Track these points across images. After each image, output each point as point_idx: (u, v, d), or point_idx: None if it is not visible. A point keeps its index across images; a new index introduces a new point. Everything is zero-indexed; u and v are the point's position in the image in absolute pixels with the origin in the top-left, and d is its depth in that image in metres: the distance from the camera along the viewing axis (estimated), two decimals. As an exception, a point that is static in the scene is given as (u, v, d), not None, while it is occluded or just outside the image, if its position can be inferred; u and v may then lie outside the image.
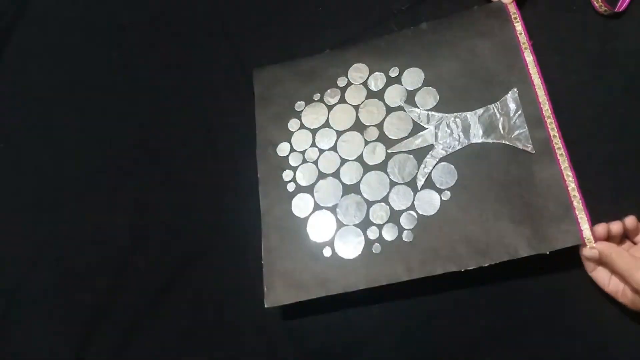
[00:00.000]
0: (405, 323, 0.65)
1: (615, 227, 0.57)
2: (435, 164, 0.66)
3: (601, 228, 0.56)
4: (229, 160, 0.77)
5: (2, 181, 0.77)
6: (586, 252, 0.57)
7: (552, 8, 0.71)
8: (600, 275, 0.58)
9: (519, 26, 0.68)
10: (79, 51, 0.86)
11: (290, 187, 0.71)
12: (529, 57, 0.66)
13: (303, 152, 0.72)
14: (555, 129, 0.62)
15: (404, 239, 0.64)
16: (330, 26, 0.81)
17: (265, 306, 0.65)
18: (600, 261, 0.57)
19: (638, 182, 0.63)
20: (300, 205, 0.69)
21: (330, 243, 0.66)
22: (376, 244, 0.65)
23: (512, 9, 0.68)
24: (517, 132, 0.64)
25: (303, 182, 0.70)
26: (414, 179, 0.66)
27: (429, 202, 0.65)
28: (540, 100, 0.64)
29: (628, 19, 0.68)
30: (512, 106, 0.65)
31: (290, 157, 0.72)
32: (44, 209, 0.75)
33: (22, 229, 0.73)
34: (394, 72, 0.72)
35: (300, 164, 0.72)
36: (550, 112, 0.63)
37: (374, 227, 0.66)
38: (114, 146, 0.79)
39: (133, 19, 0.86)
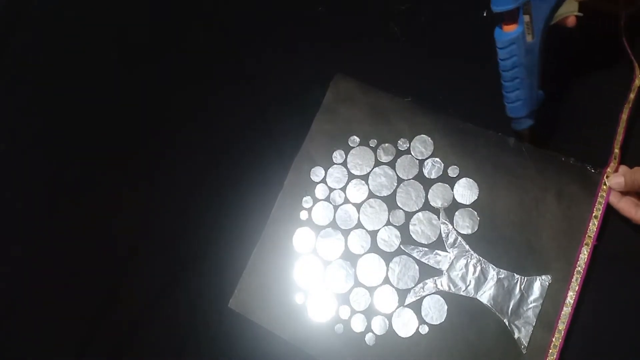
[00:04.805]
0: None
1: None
2: (432, 293, 0.62)
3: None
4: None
5: (2, 181, 0.78)
6: (612, 181, 0.58)
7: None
8: (627, 206, 0.58)
9: (595, 222, 0.58)
10: (79, 52, 0.81)
11: (303, 215, 0.68)
12: (584, 255, 0.58)
13: (331, 190, 0.69)
14: (560, 338, 0.57)
15: (365, 339, 0.63)
16: (329, 25, 0.76)
17: (229, 305, 0.67)
18: (626, 185, 0.58)
19: None
20: (302, 240, 0.68)
21: (306, 292, 0.66)
22: (339, 324, 0.64)
23: (597, 212, 0.59)
24: (522, 321, 0.59)
25: (315, 219, 0.68)
26: (406, 291, 0.63)
27: (405, 325, 0.62)
28: (565, 301, 0.57)
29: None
30: (536, 292, 0.59)
31: (318, 187, 0.69)
32: (44, 210, 0.75)
33: (21, 229, 0.75)
34: (452, 172, 0.65)
35: (322, 200, 0.69)
36: (568, 316, 0.57)
37: (347, 307, 0.64)
38: (114, 146, 0.77)
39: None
